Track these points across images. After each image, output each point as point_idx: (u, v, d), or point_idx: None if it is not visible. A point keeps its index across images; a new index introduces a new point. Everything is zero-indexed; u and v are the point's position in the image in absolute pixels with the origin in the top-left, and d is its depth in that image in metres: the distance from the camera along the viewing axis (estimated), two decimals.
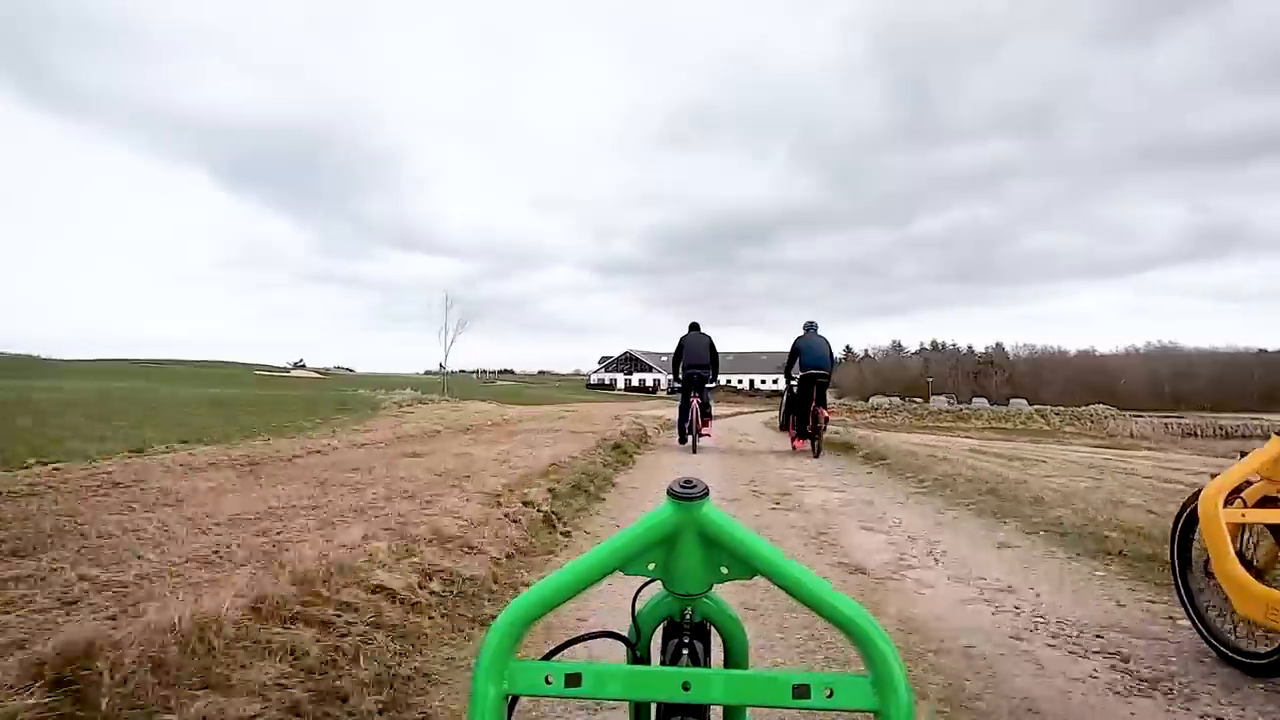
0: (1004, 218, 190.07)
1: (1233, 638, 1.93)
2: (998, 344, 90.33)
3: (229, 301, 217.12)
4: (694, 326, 8.62)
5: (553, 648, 0.84)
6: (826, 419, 7.79)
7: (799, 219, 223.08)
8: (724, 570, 0.75)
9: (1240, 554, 1.85)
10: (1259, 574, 1.83)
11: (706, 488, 0.73)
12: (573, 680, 0.70)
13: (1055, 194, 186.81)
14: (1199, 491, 1.99)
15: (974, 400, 57.73)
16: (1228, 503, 1.87)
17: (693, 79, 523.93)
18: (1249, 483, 1.91)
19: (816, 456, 7.59)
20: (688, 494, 0.72)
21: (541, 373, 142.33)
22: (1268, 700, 1.79)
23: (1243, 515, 1.87)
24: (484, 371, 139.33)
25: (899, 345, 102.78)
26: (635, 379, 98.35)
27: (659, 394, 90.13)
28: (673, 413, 11.16)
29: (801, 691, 0.68)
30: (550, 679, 0.70)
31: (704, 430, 8.45)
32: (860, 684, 0.68)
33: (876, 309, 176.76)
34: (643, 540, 0.74)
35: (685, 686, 0.69)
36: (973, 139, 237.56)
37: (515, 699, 0.72)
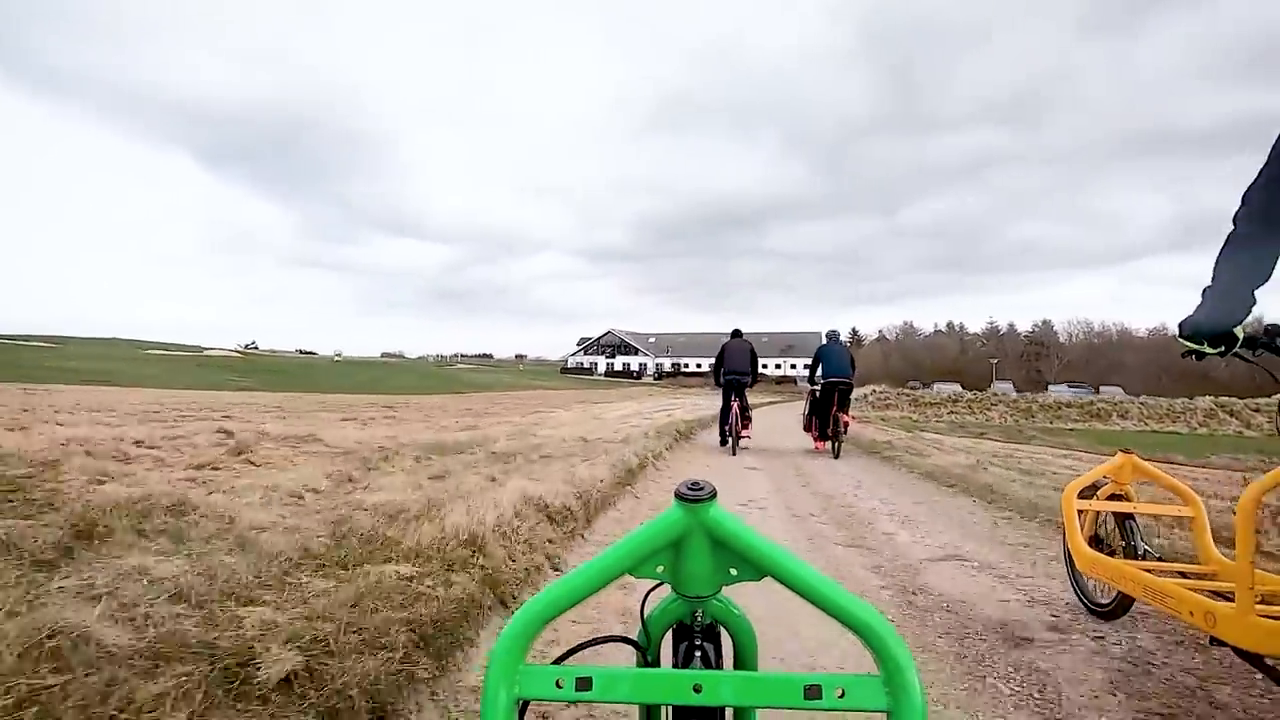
0: (991, 206, 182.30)
1: (1091, 592, 2.58)
2: (1045, 321, 77.66)
3: (214, 285, 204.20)
4: (736, 334, 8.86)
5: (563, 652, 0.82)
6: (847, 424, 8.42)
7: (788, 207, 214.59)
8: (733, 572, 0.74)
9: (1097, 535, 2.52)
10: (1109, 549, 2.44)
11: (714, 489, 0.71)
12: (583, 684, 0.69)
13: (1042, 183, 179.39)
14: None
15: (1050, 388, 44.92)
16: (1086, 496, 2.50)
17: (680, 68, 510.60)
18: (1106, 482, 2.51)
19: (837, 457, 8.04)
20: (695, 496, 0.70)
21: (518, 357, 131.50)
22: None
23: (1090, 504, 2.48)
24: (455, 355, 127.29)
25: (911, 325, 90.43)
26: (619, 362, 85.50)
27: (644, 379, 77.19)
28: (672, 411, 13.87)
29: (813, 692, 0.67)
30: (561, 683, 0.69)
31: (743, 433, 8.53)
32: (873, 684, 0.66)
33: (864, 296, 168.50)
34: (651, 543, 0.72)
35: (696, 689, 0.68)
36: (960, 128, 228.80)
37: (526, 703, 0.71)
